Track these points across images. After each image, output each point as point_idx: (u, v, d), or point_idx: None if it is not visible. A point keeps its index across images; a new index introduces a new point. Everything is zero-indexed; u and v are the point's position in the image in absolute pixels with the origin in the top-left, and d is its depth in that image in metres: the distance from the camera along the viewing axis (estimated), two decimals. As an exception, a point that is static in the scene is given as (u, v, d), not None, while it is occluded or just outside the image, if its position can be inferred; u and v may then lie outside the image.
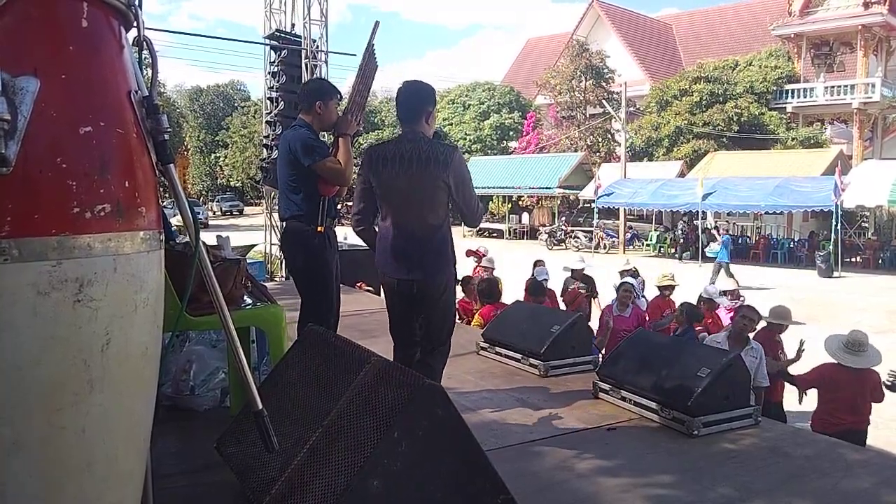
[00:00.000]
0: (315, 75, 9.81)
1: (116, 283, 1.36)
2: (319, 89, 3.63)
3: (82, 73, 1.36)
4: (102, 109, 1.38)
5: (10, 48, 1.27)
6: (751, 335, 5.04)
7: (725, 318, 6.54)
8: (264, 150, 9.55)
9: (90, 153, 1.34)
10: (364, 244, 3.45)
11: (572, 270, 8.38)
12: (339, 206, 3.76)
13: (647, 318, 6.56)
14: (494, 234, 29.11)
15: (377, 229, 3.21)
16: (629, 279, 6.89)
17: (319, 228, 3.42)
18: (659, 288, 7.26)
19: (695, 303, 6.38)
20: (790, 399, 5.22)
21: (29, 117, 1.24)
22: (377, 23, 3.66)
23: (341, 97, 3.68)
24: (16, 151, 1.23)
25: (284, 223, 3.67)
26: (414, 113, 3.08)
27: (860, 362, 4.46)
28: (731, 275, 12.74)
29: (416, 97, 3.10)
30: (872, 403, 4.56)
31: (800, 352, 5.01)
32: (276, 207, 10.19)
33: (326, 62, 10.33)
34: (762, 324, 5.31)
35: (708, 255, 10.48)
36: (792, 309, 5.63)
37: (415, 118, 3.08)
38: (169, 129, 1.53)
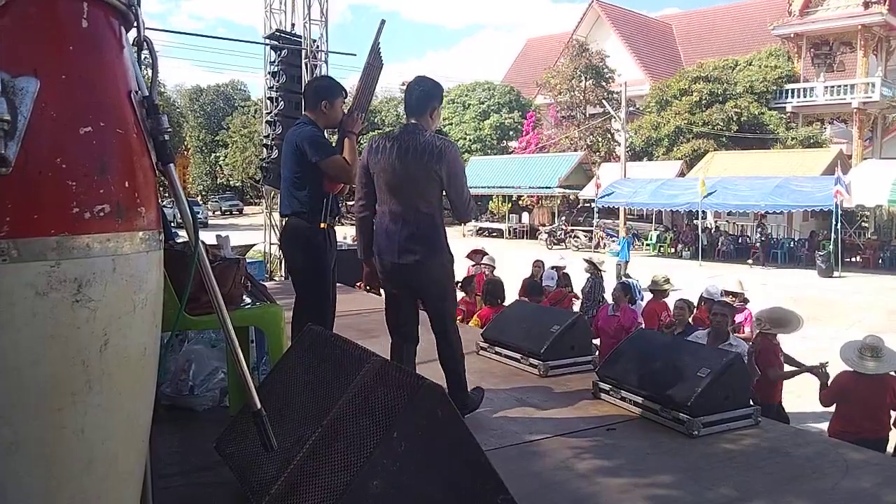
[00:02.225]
0: (315, 75, 9.81)
1: (115, 283, 1.36)
2: (325, 88, 3.62)
3: (82, 73, 1.36)
4: (102, 109, 1.38)
5: (10, 48, 1.27)
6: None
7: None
8: (264, 149, 9.55)
9: (90, 153, 1.34)
10: (357, 231, 3.49)
11: (555, 268, 8.56)
12: (340, 205, 3.76)
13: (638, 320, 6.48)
14: (494, 234, 29.13)
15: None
16: (626, 279, 6.87)
17: (322, 225, 3.44)
18: (653, 291, 7.20)
19: (695, 303, 6.38)
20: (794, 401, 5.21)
21: (29, 117, 1.24)
22: (383, 21, 3.64)
23: (347, 95, 3.68)
24: (15, 152, 1.23)
25: (285, 220, 3.67)
26: (419, 107, 3.27)
27: (877, 368, 4.32)
28: (626, 274, 13.13)
29: (423, 93, 3.29)
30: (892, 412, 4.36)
31: (820, 370, 4.72)
32: (276, 207, 10.16)
33: (326, 62, 10.34)
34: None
35: (609, 255, 10.81)
36: (792, 309, 5.60)
37: (420, 111, 3.27)
38: (169, 130, 1.53)
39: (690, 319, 6.04)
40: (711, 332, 4.89)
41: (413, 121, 3.25)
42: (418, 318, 3.45)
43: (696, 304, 6.48)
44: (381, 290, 3.60)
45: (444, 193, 3.21)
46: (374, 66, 3.59)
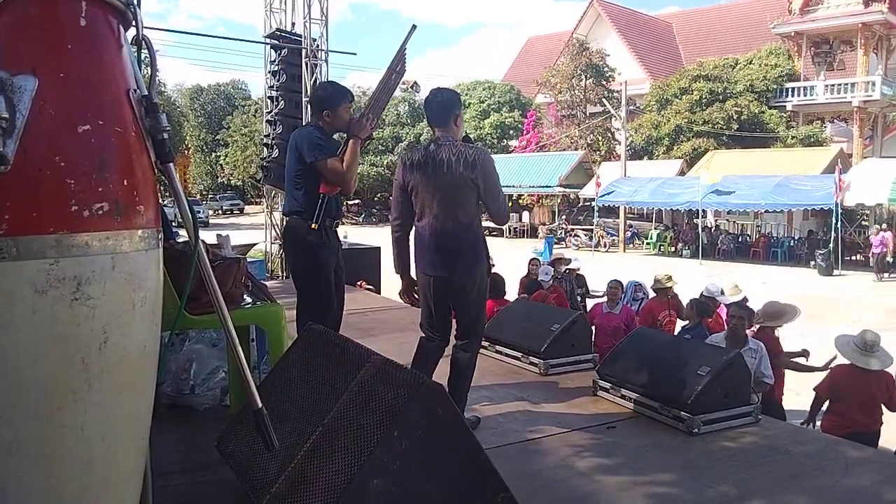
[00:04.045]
0: (315, 74, 9.80)
1: (114, 281, 1.36)
2: (326, 98, 3.58)
3: (81, 71, 1.36)
4: (101, 108, 1.38)
5: (9, 47, 1.27)
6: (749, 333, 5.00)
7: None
8: (265, 149, 9.53)
9: (89, 152, 1.33)
10: (393, 248, 3.48)
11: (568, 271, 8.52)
12: (341, 207, 3.75)
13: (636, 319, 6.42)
14: (494, 233, 29.03)
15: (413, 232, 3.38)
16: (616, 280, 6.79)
17: (314, 225, 3.43)
18: (655, 290, 7.14)
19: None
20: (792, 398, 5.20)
21: (27, 116, 1.24)
22: (414, 27, 3.57)
23: (352, 98, 3.65)
24: (14, 150, 1.22)
25: (286, 219, 3.71)
26: (442, 117, 3.31)
27: (873, 363, 4.31)
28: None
29: (443, 103, 3.34)
30: (885, 408, 4.34)
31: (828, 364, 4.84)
32: (277, 206, 10.12)
33: (327, 61, 10.31)
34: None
35: (533, 254, 10.84)
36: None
37: (444, 122, 3.31)
38: (168, 128, 1.53)
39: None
40: (729, 335, 4.85)
41: (439, 132, 3.28)
42: (451, 325, 3.46)
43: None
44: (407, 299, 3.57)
45: (481, 201, 3.25)
46: (396, 71, 3.54)
